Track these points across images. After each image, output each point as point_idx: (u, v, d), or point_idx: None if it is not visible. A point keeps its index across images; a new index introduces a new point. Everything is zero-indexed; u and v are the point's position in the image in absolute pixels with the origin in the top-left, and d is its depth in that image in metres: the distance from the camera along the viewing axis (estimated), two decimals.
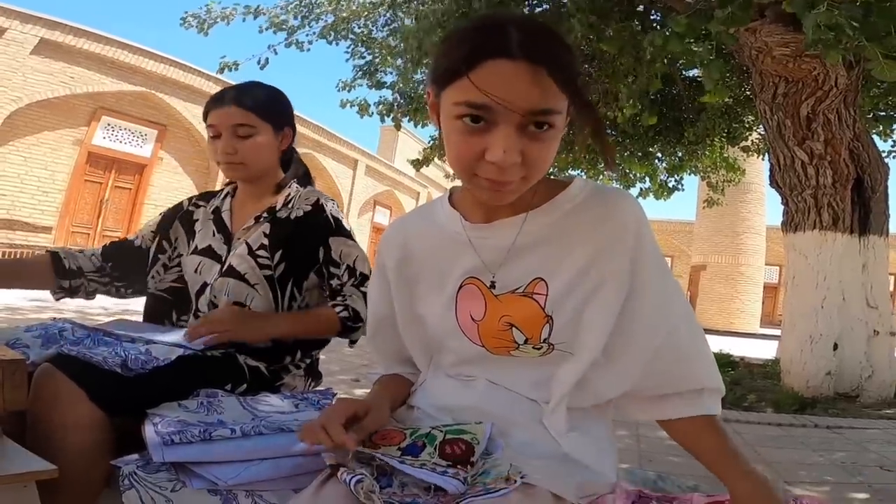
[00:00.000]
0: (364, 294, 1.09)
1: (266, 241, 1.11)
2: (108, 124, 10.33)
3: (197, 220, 1.21)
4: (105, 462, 0.80)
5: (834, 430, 3.36)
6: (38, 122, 9.26)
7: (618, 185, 8.32)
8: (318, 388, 1.16)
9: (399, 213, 18.68)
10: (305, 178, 1.25)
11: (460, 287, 0.75)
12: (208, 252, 1.15)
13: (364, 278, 1.13)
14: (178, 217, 1.23)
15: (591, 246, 0.70)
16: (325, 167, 14.53)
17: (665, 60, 4.31)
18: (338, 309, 1.10)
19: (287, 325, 1.07)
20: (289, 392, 1.07)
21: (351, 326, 1.10)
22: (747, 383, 4.95)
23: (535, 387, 0.74)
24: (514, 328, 0.72)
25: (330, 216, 1.14)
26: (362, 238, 16.90)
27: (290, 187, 1.18)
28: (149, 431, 0.78)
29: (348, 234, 1.16)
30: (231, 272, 1.10)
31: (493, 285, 0.73)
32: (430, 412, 0.78)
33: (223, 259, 1.13)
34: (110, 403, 0.82)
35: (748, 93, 5.95)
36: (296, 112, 1.24)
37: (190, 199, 1.28)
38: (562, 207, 0.72)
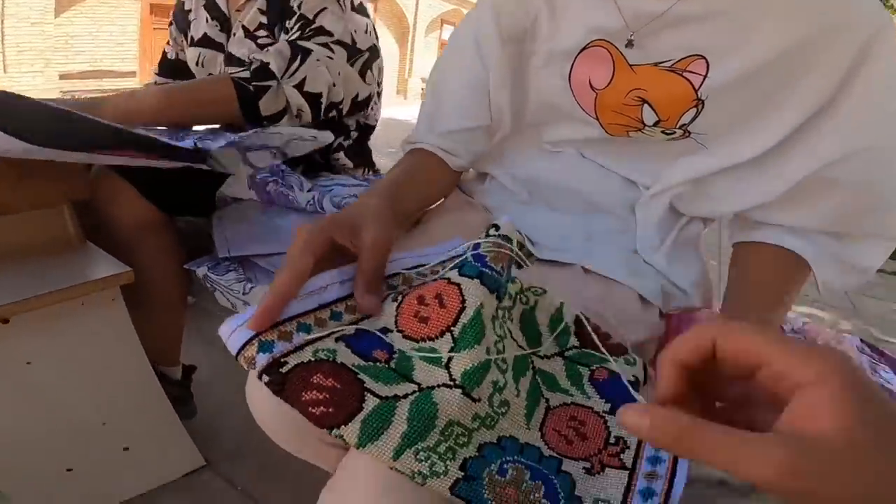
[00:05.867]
0: (300, 49, 0.80)
1: (264, 19, 0.92)
2: None
3: (189, 9, 1.02)
4: (177, 265, 0.77)
5: None
6: None
7: None
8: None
9: None
10: None
11: (584, 47, 0.60)
12: (205, 41, 0.98)
13: (319, 33, 0.83)
14: (175, 13, 1.05)
15: (788, 34, 0.52)
16: None
17: None
18: (232, 71, 0.81)
19: (153, 97, 0.80)
20: (346, 176, 0.98)
21: (251, 89, 0.78)
22: None
23: (640, 169, 0.63)
24: (646, 105, 0.58)
25: None
26: (430, 56, 16.21)
27: None
28: (215, 227, 0.73)
29: None
30: (232, 60, 0.93)
31: (630, 44, 0.57)
32: (506, 182, 0.67)
33: (224, 47, 0.97)
34: (164, 201, 0.77)
35: None
36: None
37: None
38: None
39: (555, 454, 0.40)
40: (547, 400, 0.44)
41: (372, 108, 0.99)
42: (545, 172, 0.66)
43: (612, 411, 0.43)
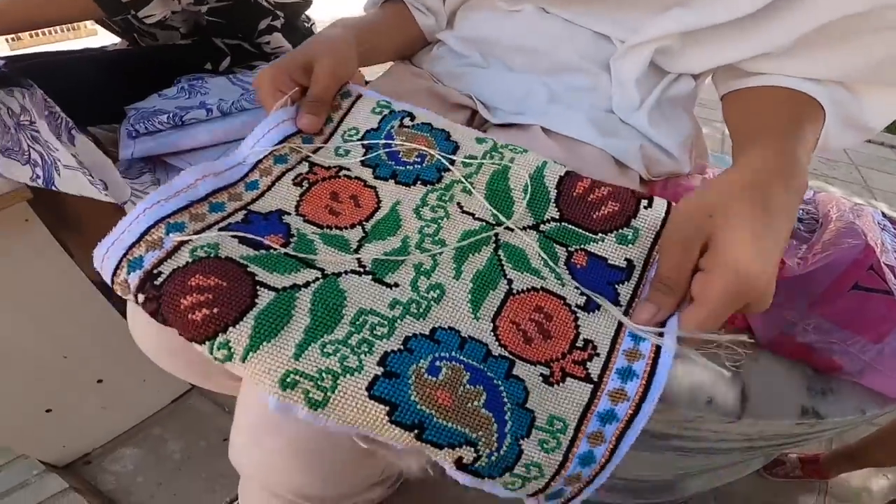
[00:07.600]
0: None
1: None
2: None
3: None
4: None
5: None
6: None
7: None
8: None
9: None
10: None
11: None
12: None
13: None
14: None
15: None
16: None
17: None
18: None
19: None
20: None
21: None
22: None
23: (614, 22, 0.52)
24: None
25: None
26: None
27: None
28: (122, 127, 0.64)
29: None
30: None
31: None
32: (454, 45, 0.58)
33: None
34: (69, 112, 0.68)
35: None
36: None
37: None
38: None
39: (506, 354, 0.33)
40: (510, 281, 0.36)
41: None
42: (499, 31, 0.55)
43: (587, 308, 0.35)
